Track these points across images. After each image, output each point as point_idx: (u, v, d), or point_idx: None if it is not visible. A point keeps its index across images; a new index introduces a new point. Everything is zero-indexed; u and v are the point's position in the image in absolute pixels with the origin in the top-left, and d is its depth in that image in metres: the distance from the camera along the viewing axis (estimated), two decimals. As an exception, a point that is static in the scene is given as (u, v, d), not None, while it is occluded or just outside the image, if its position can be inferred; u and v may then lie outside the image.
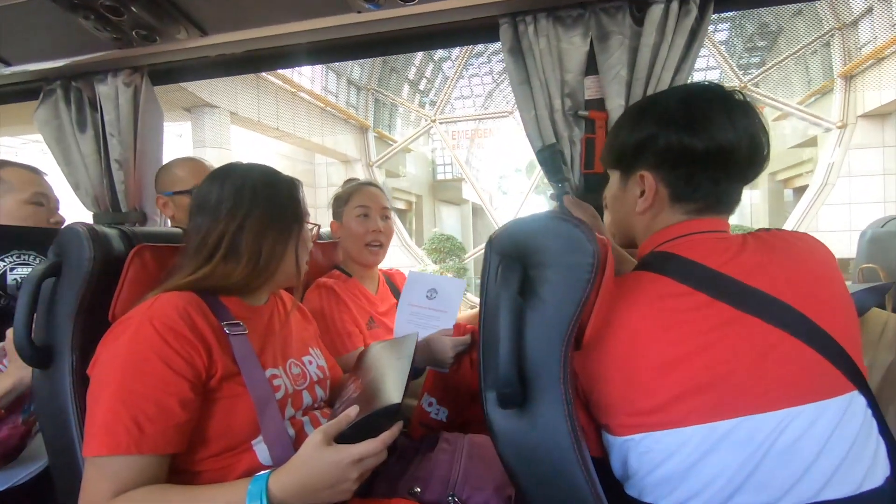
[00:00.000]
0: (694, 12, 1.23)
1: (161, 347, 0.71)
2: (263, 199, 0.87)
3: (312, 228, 0.97)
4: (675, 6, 1.23)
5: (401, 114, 16.71)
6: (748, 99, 0.77)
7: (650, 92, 1.30)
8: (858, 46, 8.81)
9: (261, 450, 0.79)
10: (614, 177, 0.86)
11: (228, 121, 8.58)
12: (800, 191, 11.66)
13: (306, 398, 0.90)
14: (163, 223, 1.75)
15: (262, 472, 0.70)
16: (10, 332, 0.95)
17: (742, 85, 8.98)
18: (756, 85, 9.53)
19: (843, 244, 5.86)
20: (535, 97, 1.38)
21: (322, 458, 0.68)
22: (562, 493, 0.61)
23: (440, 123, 13.74)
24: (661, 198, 0.79)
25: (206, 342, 0.76)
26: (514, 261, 0.61)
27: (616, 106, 1.32)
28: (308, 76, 11.82)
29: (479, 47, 12.80)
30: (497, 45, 1.54)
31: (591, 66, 1.35)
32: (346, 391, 0.88)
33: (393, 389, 0.74)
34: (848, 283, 0.96)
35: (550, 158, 1.33)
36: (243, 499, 0.66)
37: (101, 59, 1.58)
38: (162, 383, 0.70)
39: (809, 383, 0.65)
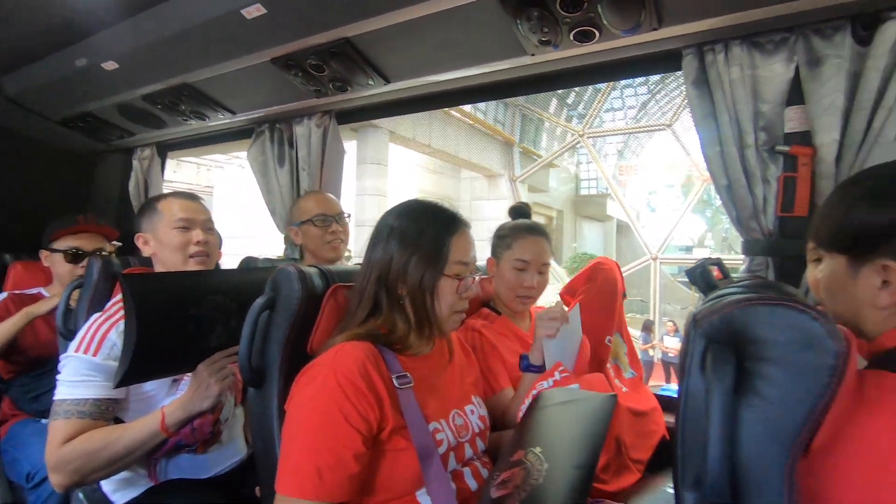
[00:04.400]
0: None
1: (342, 402, 0.76)
2: (403, 260, 0.89)
3: (470, 279, 0.94)
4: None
5: (547, 129, 16.57)
6: None
7: (878, 124, 1.08)
8: None
9: (425, 501, 0.81)
10: (835, 261, 0.72)
11: (388, 139, 9.33)
12: None
13: (468, 451, 0.91)
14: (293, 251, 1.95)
15: None
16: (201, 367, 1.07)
17: None
18: None
19: None
20: (721, 132, 1.24)
21: None
22: None
23: (588, 138, 13.32)
24: None
25: (379, 397, 0.79)
26: (725, 349, 0.54)
27: (829, 140, 1.13)
28: (459, 96, 12.34)
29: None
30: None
31: (795, 96, 1.18)
32: (508, 451, 0.85)
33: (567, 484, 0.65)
34: None
35: (701, 277, 1.13)
36: None
37: (301, 107, 1.84)
38: (341, 436, 0.75)
39: None
